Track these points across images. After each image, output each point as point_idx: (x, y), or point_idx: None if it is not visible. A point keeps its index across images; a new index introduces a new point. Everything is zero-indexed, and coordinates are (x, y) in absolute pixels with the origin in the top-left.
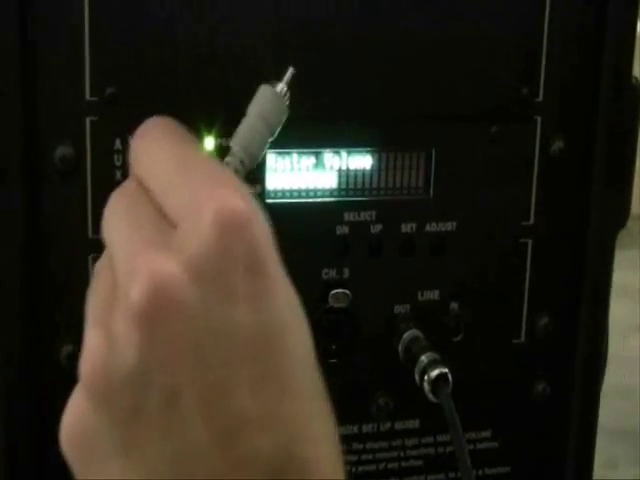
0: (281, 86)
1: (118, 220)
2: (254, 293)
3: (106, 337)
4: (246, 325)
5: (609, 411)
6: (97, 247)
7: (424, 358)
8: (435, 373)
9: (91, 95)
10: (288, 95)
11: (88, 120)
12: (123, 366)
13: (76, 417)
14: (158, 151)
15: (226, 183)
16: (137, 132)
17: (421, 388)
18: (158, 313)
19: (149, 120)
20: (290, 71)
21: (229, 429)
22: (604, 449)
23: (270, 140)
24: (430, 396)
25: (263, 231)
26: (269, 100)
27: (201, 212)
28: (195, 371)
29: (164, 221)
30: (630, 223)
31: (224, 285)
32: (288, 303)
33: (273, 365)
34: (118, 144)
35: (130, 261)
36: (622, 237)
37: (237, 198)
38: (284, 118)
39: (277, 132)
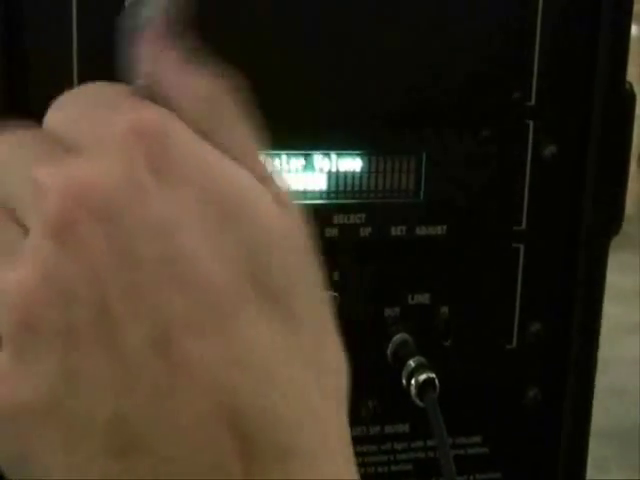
0: None
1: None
2: (166, 195)
3: (17, 270)
4: (158, 221)
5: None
6: None
7: (412, 362)
8: (422, 377)
9: None
10: None
11: None
12: (49, 288)
13: (7, 389)
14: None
15: (133, 107)
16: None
17: (409, 392)
18: (74, 217)
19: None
20: None
21: (162, 330)
22: (595, 450)
23: None
24: (417, 400)
25: (177, 132)
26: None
27: (105, 134)
28: (119, 272)
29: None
30: (625, 225)
31: (136, 185)
32: (199, 209)
33: (188, 266)
34: None
35: (27, 181)
36: (617, 239)
37: (145, 113)
38: None
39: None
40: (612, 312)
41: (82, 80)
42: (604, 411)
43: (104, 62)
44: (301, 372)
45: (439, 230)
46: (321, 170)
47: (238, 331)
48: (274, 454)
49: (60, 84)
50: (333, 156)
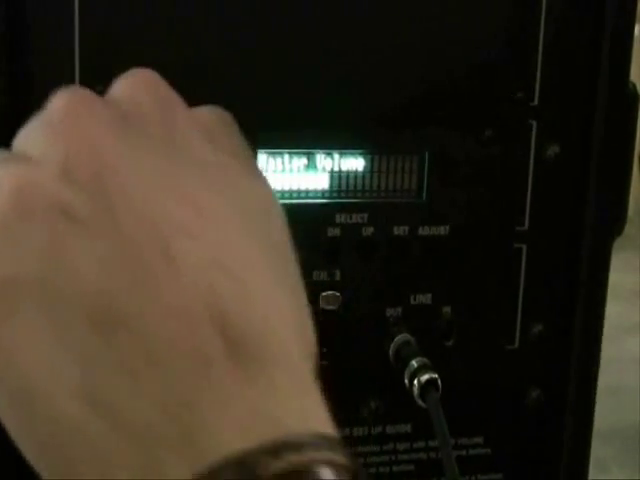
0: None
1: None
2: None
3: (23, 160)
4: (170, 134)
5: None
6: None
7: (414, 363)
8: (425, 378)
9: None
10: None
11: None
12: (51, 168)
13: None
14: None
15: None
16: None
17: (411, 392)
18: (76, 110)
19: None
20: None
21: (157, 223)
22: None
23: None
24: (419, 401)
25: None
26: None
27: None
28: (121, 165)
29: None
30: (626, 227)
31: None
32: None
33: (187, 187)
34: None
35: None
36: (618, 240)
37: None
38: None
39: None
40: (612, 312)
41: (84, 79)
42: (604, 411)
43: (105, 62)
44: (282, 297)
45: (441, 230)
46: (323, 169)
47: (229, 243)
48: (260, 361)
49: (62, 84)
50: (336, 155)
